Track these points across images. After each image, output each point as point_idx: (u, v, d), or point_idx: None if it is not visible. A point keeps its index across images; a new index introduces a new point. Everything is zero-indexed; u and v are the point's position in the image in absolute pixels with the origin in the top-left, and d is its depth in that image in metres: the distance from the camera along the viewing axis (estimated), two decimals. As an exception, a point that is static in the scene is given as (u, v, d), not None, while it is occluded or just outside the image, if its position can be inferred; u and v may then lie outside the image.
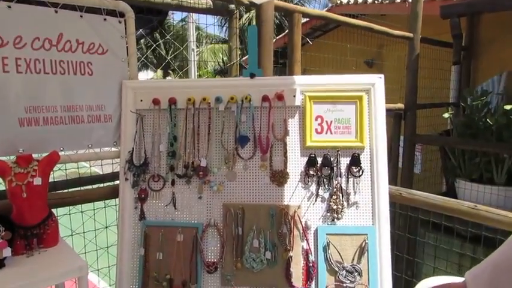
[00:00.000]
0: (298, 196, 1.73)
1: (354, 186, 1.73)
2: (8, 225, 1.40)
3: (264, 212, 1.71)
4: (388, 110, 3.60)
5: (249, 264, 1.69)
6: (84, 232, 1.99)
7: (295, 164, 1.75)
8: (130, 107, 1.80)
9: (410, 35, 3.64)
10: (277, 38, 6.29)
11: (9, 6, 1.52)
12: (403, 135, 3.95)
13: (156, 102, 1.77)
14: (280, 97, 1.73)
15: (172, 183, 1.77)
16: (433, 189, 4.17)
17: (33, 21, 1.58)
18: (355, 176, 1.73)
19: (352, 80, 1.74)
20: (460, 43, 4.73)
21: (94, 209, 1.96)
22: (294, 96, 1.73)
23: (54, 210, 1.62)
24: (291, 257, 1.69)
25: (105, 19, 1.77)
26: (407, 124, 3.88)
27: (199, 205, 1.75)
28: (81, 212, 1.93)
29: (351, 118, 1.74)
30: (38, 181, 1.46)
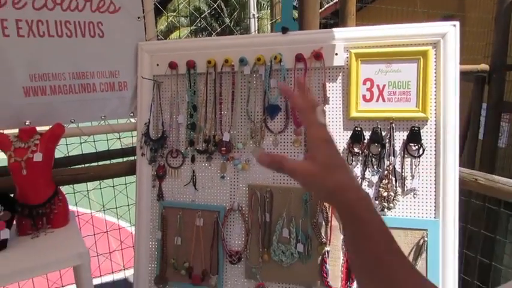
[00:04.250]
0: (338, 179, 1.41)
1: (411, 169, 1.36)
2: (8, 205, 1.28)
3: (295, 197, 1.42)
4: (466, 72, 3.02)
5: (278, 257, 1.43)
6: (104, 210, 1.87)
7: (337, 139, 1.41)
8: (146, 73, 1.57)
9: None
10: (328, 5, 5.64)
11: (1, -41, 1.34)
12: (486, 102, 3.31)
13: (173, 66, 1.53)
14: (318, 56, 1.38)
15: (192, 159, 1.54)
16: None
17: (31, -24, 1.40)
18: (414, 156, 1.35)
19: (414, 31, 1.33)
20: None
21: (113, 186, 1.82)
22: (336, 54, 1.37)
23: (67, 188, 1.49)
24: (328, 252, 1.40)
25: (115, -30, 1.53)
26: (492, 89, 3.24)
27: (221, 185, 1.51)
28: (100, 188, 1.80)
29: (410, 81, 1.34)
30: (38, 157, 1.32)
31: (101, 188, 1.87)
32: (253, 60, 1.44)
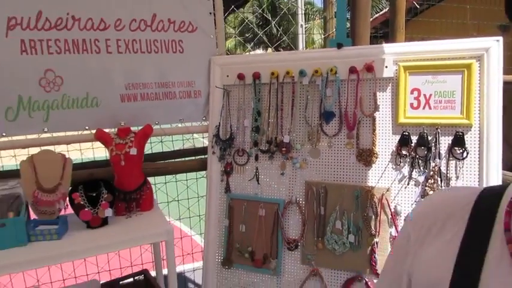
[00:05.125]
0: (387, 178, 1.58)
1: (456, 170, 1.50)
2: (110, 190, 1.58)
3: (348, 193, 1.61)
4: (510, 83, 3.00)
5: (331, 245, 1.62)
6: (178, 200, 2.16)
7: (385, 143, 1.58)
8: (218, 83, 1.84)
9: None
10: (378, 15, 5.71)
11: (109, -8, 1.66)
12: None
13: (241, 77, 1.78)
14: (369, 68, 1.57)
15: (256, 158, 1.77)
16: None
17: (130, 5, 1.71)
18: (458, 159, 1.49)
19: (459, 46, 1.48)
20: None
21: (187, 180, 2.10)
22: (386, 66, 1.55)
23: (152, 179, 1.78)
24: (377, 243, 1.56)
25: (194, -3, 1.82)
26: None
27: (281, 181, 1.73)
28: (176, 181, 2.09)
29: (455, 91, 1.49)
30: (133, 151, 1.61)
31: (166, 183, 2.16)
32: (311, 72, 1.65)
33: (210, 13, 1.86)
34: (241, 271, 1.78)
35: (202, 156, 1.98)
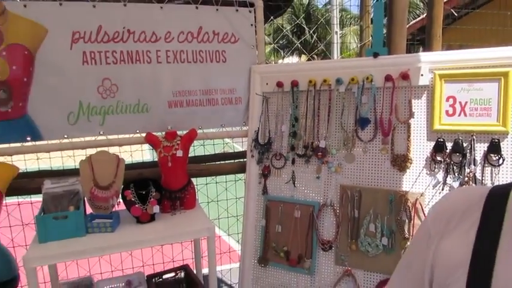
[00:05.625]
0: (421, 183, 1.62)
1: (491, 177, 1.52)
2: (157, 188, 1.72)
3: (382, 197, 1.66)
4: None
5: (364, 247, 1.67)
6: (218, 201, 2.28)
7: (420, 149, 1.63)
8: (257, 90, 1.95)
9: None
10: (414, 21, 5.64)
11: (161, 7, 1.82)
12: None
13: (279, 85, 1.88)
14: (405, 76, 1.62)
15: (293, 162, 1.86)
16: None
17: (179, 18, 1.86)
18: (494, 165, 1.51)
19: (495, 54, 1.50)
20: None
21: (226, 182, 2.22)
22: (422, 75, 1.60)
23: (194, 180, 1.91)
24: (410, 246, 1.60)
25: (237, 10, 1.95)
26: None
27: (316, 184, 1.80)
28: (216, 183, 2.21)
29: (491, 98, 1.51)
30: (180, 153, 1.75)
31: (206, 184, 2.29)
32: (348, 80, 1.73)
33: (251, 25, 1.98)
34: (277, 270, 1.87)
35: (241, 160, 2.09)
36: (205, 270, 1.93)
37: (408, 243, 1.60)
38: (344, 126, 1.76)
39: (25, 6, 1.66)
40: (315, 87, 1.81)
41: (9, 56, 1.65)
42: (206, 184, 2.21)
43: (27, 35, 1.67)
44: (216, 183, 2.23)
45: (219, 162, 2.11)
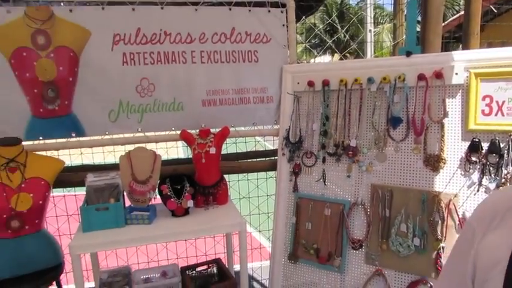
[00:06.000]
0: (455, 184, 1.59)
1: (530, 178, 1.47)
2: (192, 184, 1.79)
3: (414, 197, 1.64)
4: None
5: (395, 247, 1.66)
6: (249, 197, 2.33)
7: (454, 149, 1.60)
8: (289, 89, 1.98)
9: None
10: (452, 18, 5.43)
11: (196, 10, 1.89)
12: None
13: (310, 84, 1.90)
14: (438, 75, 1.60)
15: (323, 160, 1.88)
16: None
17: (213, 20, 1.92)
18: (533, 166, 1.46)
19: (536, 52, 1.46)
20: None
21: (257, 179, 2.26)
22: (456, 73, 1.57)
23: (226, 177, 1.97)
24: (443, 248, 1.58)
25: (269, 11, 1.98)
26: None
27: (347, 183, 1.81)
28: (247, 180, 2.27)
29: (531, 97, 1.47)
30: (213, 150, 1.81)
31: (238, 181, 2.34)
32: (380, 79, 1.72)
33: (283, 25, 2.01)
34: (306, 267, 1.89)
35: (272, 158, 2.12)
36: (236, 267, 1.99)
37: (441, 244, 1.58)
38: (375, 125, 1.76)
39: (71, 11, 1.77)
40: (346, 86, 1.81)
41: (57, 58, 1.77)
42: (238, 181, 2.26)
43: (73, 37, 1.79)
44: (248, 180, 2.28)
45: (250, 160, 2.16)
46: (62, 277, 1.81)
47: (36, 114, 1.80)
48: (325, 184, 1.87)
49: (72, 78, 1.81)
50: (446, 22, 5.52)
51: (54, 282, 1.75)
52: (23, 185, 1.62)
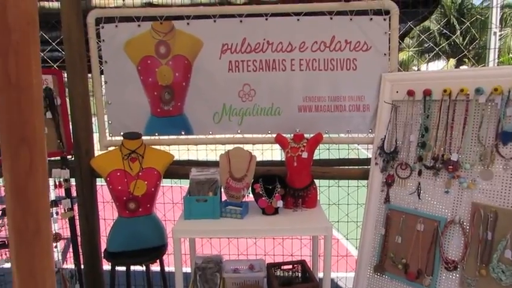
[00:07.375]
0: None
1: None
2: (283, 185, 1.88)
3: (523, 222, 1.48)
4: None
5: (496, 274, 1.52)
6: (338, 204, 2.33)
7: None
8: (387, 98, 1.94)
9: None
10: None
11: (298, 20, 1.98)
12: None
13: (410, 93, 1.83)
14: None
15: (419, 173, 1.80)
16: None
17: (313, 29, 1.99)
18: None
19: None
20: None
21: (348, 186, 2.25)
22: None
23: (317, 182, 2.01)
24: (557, 282, 1.40)
25: (371, 19, 1.97)
26: None
27: (444, 199, 1.71)
28: (338, 187, 2.27)
29: None
30: (305, 155, 1.87)
31: (329, 187, 2.35)
32: (490, 90, 1.59)
33: (385, 32, 1.98)
34: (393, 281, 1.83)
35: (365, 167, 2.10)
36: (320, 275, 2.01)
37: (554, 278, 1.40)
38: (482, 140, 1.63)
39: (188, 23, 2.02)
40: (450, 97, 1.71)
41: (174, 65, 2.04)
42: (329, 187, 2.29)
43: (188, 47, 2.04)
44: (339, 187, 2.29)
45: (342, 167, 2.17)
46: (165, 258, 2.06)
47: (154, 114, 2.09)
48: (419, 198, 1.79)
49: (185, 83, 2.05)
50: None
51: (158, 261, 2.00)
52: (140, 173, 1.91)
